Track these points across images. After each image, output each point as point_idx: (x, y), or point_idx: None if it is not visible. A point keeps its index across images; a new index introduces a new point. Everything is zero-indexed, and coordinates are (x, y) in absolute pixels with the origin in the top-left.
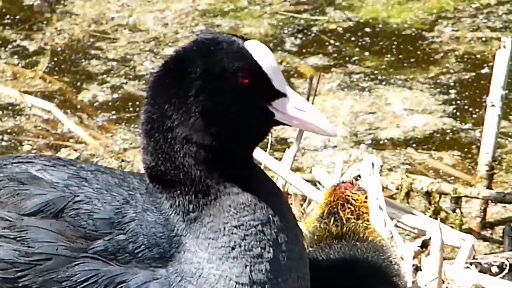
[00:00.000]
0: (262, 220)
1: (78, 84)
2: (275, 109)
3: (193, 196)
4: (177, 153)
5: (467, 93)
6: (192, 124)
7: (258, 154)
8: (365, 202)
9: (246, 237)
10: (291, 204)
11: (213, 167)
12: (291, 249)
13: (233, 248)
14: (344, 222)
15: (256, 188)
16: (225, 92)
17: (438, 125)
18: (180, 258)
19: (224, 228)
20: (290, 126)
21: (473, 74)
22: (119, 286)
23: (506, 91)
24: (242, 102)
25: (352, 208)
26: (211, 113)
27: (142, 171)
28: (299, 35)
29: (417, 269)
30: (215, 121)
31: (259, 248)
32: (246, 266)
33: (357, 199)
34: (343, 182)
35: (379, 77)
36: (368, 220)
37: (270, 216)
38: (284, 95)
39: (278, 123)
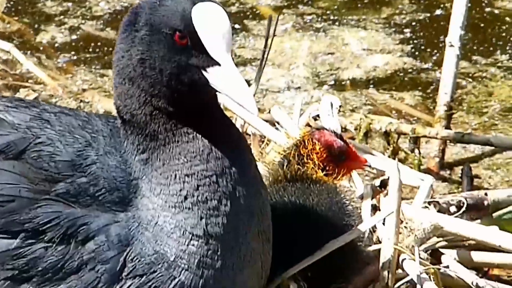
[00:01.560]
0: (216, 171)
1: (36, 25)
2: (208, 74)
3: (142, 138)
4: (126, 94)
5: (422, 33)
6: (133, 69)
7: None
8: (323, 151)
9: (199, 188)
10: (250, 144)
11: (158, 113)
12: (251, 204)
13: (185, 198)
14: (300, 166)
15: (214, 138)
16: (162, 48)
17: (399, 65)
18: (137, 203)
19: (175, 175)
20: (219, 92)
21: (428, 15)
22: (81, 228)
23: (464, 32)
24: (177, 61)
25: (311, 155)
26: (147, 64)
27: (101, 111)
28: None
29: (375, 208)
30: (150, 72)
31: (215, 201)
32: (201, 218)
33: (317, 149)
34: (318, 129)
35: (332, 18)
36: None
37: (226, 168)
38: (217, 63)
39: (212, 89)
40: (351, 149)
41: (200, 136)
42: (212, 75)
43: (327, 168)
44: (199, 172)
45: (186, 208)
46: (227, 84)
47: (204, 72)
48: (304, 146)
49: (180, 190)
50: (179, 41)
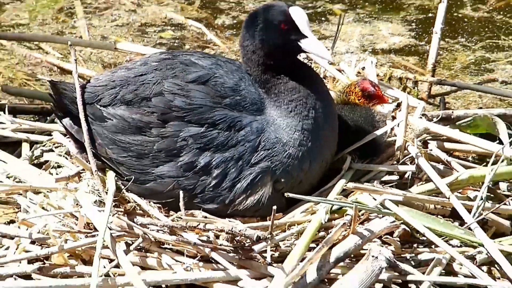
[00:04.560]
0: (305, 96)
1: (215, 14)
2: (301, 43)
3: (260, 82)
4: (250, 59)
5: (418, 24)
6: (256, 45)
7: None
8: (359, 92)
9: (297, 105)
10: (327, 82)
11: (268, 69)
12: (326, 111)
13: (290, 112)
14: (350, 96)
15: (302, 79)
16: (273, 31)
17: (407, 43)
18: (265, 112)
19: (284, 101)
20: (308, 52)
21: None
22: (237, 122)
23: (443, 25)
24: (282, 38)
25: (358, 93)
26: (265, 41)
27: None
28: None
29: (393, 117)
30: (267, 46)
31: (306, 111)
32: (299, 121)
33: (361, 91)
34: (363, 79)
35: (373, 16)
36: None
37: (311, 94)
38: (306, 36)
39: (303, 51)
40: (379, 93)
41: (293, 77)
42: (304, 43)
43: (361, 101)
44: (296, 98)
45: (291, 117)
46: (315, 47)
47: (298, 43)
48: (350, 87)
49: (287, 108)
50: (283, 27)
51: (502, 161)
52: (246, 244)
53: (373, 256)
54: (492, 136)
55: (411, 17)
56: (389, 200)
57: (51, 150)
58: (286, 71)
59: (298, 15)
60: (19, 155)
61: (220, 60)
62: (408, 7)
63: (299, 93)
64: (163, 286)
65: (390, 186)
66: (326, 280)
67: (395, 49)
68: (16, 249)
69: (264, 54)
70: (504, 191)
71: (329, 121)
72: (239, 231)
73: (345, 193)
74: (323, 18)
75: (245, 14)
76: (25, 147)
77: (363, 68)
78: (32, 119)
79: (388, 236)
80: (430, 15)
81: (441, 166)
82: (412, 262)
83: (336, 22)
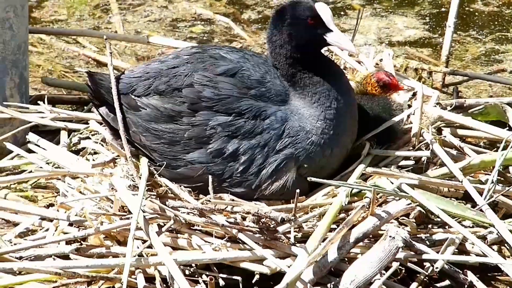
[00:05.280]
0: (328, 89)
1: (241, 10)
2: (327, 37)
3: (287, 75)
4: (278, 53)
5: (433, 18)
6: (283, 39)
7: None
8: (375, 82)
9: (320, 97)
10: (347, 73)
11: (294, 62)
12: (347, 102)
13: (314, 103)
14: (367, 87)
15: (325, 72)
16: (300, 26)
17: (422, 35)
18: (290, 103)
19: (308, 93)
20: (334, 45)
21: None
22: (263, 112)
23: (456, 19)
24: (309, 32)
25: (374, 84)
26: (293, 36)
27: None
28: None
29: (409, 106)
30: (295, 40)
31: (328, 102)
32: (322, 111)
33: (376, 82)
34: (378, 70)
35: (390, 10)
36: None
37: (333, 86)
38: (331, 30)
39: (328, 44)
40: (394, 82)
41: (318, 71)
42: (329, 37)
43: (378, 91)
44: (320, 91)
45: (314, 107)
46: (340, 40)
47: (324, 36)
48: (366, 79)
49: (311, 100)
50: (310, 21)
51: None
52: (271, 226)
53: (390, 236)
54: (502, 123)
55: (425, 12)
56: (406, 183)
57: (88, 138)
58: (311, 64)
59: (324, 10)
60: (57, 143)
61: (247, 54)
62: (422, 2)
63: (323, 86)
64: (193, 265)
65: (406, 171)
66: (346, 259)
67: (410, 41)
68: (55, 231)
69: (291, 48)
70: None
71: (349, 111)
72: (265, 213)
73: (364, 177)
74: (342, 13)
75: (269, 9)
76: (63, 135)
77: (381, 60)
78: (70, 108)
79: (404, 218)
80: (443, 9)
81: (454, 152)
82: (427, 242)
83: (355, 16)
